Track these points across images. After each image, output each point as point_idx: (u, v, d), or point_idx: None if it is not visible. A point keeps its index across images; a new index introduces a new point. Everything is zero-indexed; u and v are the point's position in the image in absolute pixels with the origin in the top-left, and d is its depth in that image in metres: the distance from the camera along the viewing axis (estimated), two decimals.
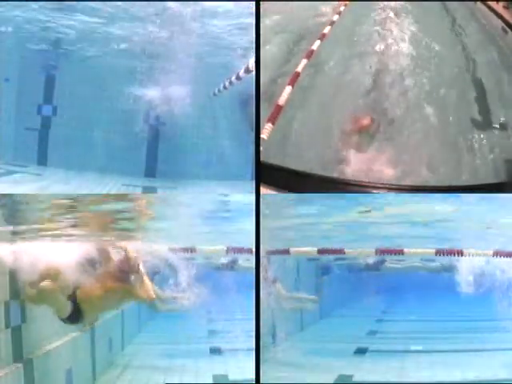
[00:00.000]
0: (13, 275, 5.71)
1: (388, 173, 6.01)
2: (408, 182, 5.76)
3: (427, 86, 7.90)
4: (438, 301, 16.82)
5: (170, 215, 5.84)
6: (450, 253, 7.42)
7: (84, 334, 8.02)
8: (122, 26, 9.12)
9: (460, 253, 7.38)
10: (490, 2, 11.61)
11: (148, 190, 10.08)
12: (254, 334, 5.48)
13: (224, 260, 10.24)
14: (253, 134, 5.52)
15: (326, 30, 9.45)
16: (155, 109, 11.24)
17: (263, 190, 4.51)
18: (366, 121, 6.66)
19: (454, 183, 5.66)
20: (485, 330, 11.79)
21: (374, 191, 4.56)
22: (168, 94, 11.11)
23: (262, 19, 6.24)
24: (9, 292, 5.75)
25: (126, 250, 5.94)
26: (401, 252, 7.52)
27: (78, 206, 5.16)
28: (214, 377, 8.45)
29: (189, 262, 7.76)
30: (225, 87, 10.22)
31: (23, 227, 5.63)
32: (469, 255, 7.47)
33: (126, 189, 9.61)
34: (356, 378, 7.95)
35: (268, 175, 4.54)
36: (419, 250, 7.88)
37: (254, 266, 5.82)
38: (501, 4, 11.17)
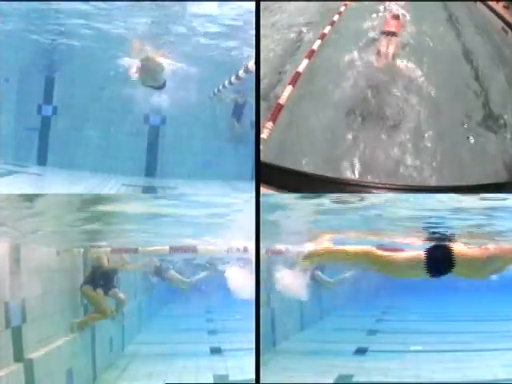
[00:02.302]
0: None
1: None
2: None
3: None
4: (438, 301, 16.83)
5: None
6: None
7: (84, 334, 8.02)
8: (122, 26, 9.10)
9: None
10: (490, 2, 11.61)
11: (148, 190, 10.07)
12: (253, 334, 5.48)
13: None
14: (252, 134, 5.52)
15: (326, 29, 9.46)
16: (155, 109, 11.23)
17: (263, 190, 4.51)
18: None
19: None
20: (485, 330, 11.79)
21: (374, 191, 4.56)
22: (168, 93, 11.08)
23: None
24: None
25: None
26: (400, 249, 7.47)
27: None
28: (214, 377, 8.46)
29: None
30: (224, 87, 10.22)
31: None
32: None
33: (126, 189, 9.59)
34: (356, 378, 7.94)
35: (268, 175, 4.53)
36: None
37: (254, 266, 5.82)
38: (501, 4, 11.16)
